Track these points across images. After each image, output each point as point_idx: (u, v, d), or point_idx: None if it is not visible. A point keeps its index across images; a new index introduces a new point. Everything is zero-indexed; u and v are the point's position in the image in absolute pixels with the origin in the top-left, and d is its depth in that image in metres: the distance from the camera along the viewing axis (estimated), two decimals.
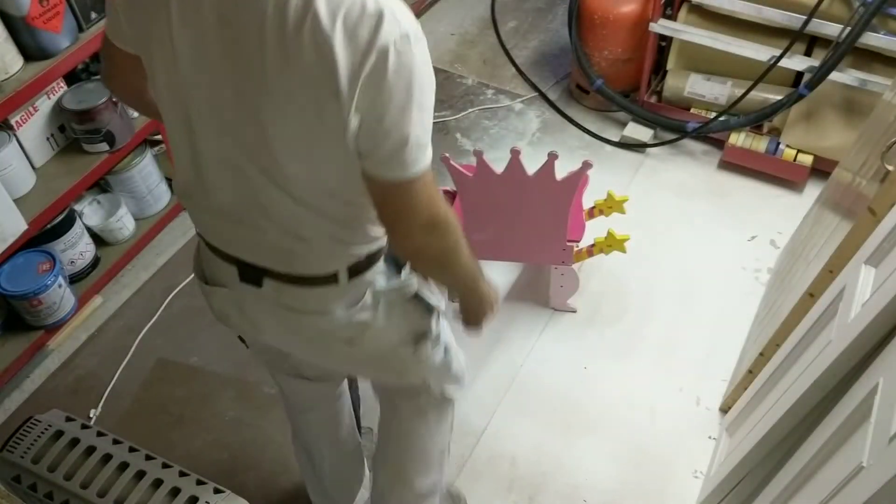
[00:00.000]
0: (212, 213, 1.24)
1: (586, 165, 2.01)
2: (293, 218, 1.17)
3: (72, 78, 2.32)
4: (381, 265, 1.30)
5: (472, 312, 1.39)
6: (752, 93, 2.60)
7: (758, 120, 2.66)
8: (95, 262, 2.49)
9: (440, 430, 1.66)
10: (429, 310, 1.40)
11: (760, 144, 2.72)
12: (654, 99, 2.96)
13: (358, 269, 1.26)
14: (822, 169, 2.65)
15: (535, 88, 3.21)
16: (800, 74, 2.57)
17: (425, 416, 1.62)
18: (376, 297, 1.30)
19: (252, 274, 1.26)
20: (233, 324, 1.40)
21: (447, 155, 2.03)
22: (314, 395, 1.66)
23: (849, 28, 2.31)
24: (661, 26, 2.69)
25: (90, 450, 1.54)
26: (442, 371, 1.53)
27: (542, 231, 2.18)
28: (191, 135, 1.14)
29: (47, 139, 2.28)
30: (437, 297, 1.40)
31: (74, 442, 1.55)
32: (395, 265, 1.33)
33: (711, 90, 2.77)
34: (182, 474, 1.53)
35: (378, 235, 1.25)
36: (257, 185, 1.13)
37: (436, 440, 1.67)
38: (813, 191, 2.71)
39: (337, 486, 1.84)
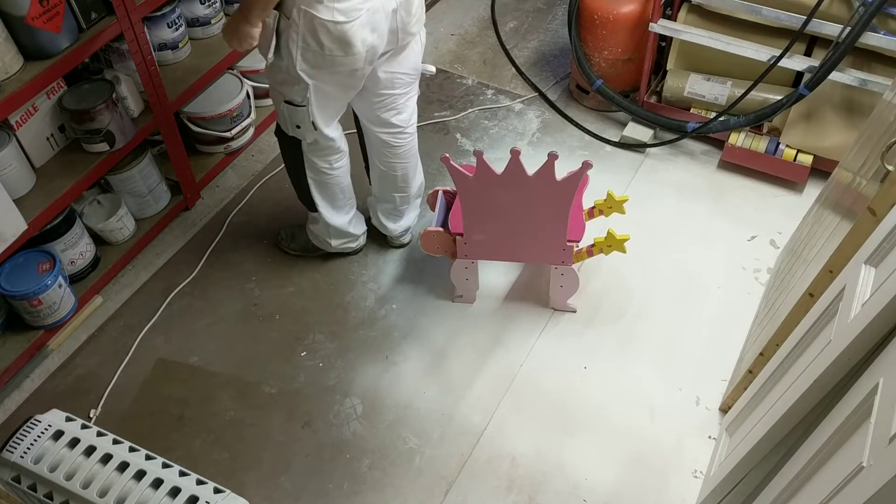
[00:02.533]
0: None
1: (586, 165, 2.01)
2: None
3: (72, 78, 2.32)
4: None
5: None
6: (752, 93, 2.60)
7: (758, 120, 2.66)
8: (95, 262, 2.50)
9: (416, 138, 2.39)
10: None
11: (760, 144, 2.72)
12: (653, 99, 2.96)
13: None
14: (822, 169, 2.66)
15: (535, 88, 3.21)
16: (800, 74, 2.57)
17: (413, 119, 2.32)
18: None
19: None
20: (366, 45, 1.90)
21: (447, 155, 2.03)
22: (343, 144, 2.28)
23: (849, 28, 2.31)
24: (661, 26, 2.69)
25: (90, 450, 1.54)
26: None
27: (542, 231, 2.18)
28: None
29: (47, 139, 2.28)
30: None
31: (74, 442, 1.55)
32: None
33: (711, 90, 2.77)
34: (182, 474, 1.52)
35: None
36: None
37: (417, 149, 2.42)
38: (813, 191, 2.71)
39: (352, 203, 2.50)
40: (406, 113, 2.26)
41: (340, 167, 2.32)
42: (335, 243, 2.53)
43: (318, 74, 1.95)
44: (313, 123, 2.09)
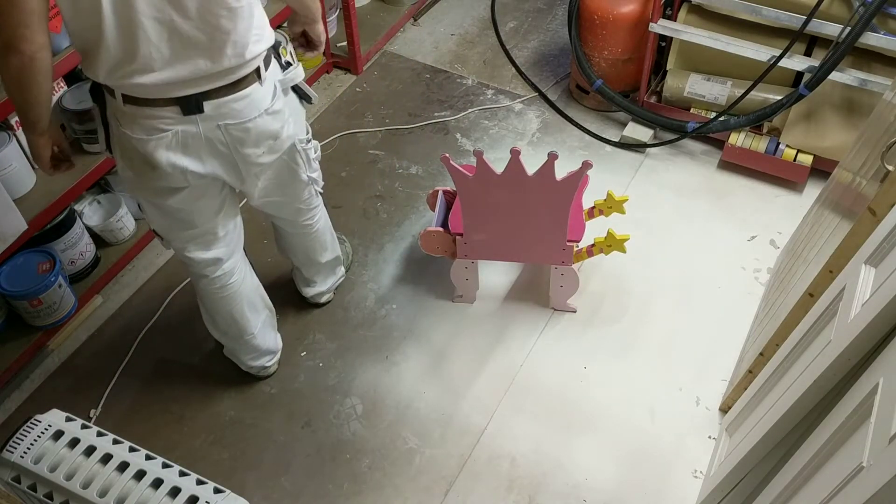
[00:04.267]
0: (146, 71, 1.47)
1: (586, 165, 2.01)
2: (218, 39, 1.48)
3: (72, 78, 2.32)
4: (273, 60, 1.68)
5: (318, 25, 1.83)
6: (752, 93, 2.60)
7: (758, 120, 2.66)
8: (95, 262, 2.50)
9: (325, 217, 2.18)
10: (306, 98, 1.83)
11: (760, 144, 2.72)
12: (653, 99, 2.96)
13: (267, 61, 1.64)
14: (822, 169, 2.66)
15: (535, 88, 3.21)
16: (800, 74, 2.57)
17: (315, 214, 2.10)
18: (280, 87, 1.70)
19: (194, 103, 1.55)
20: (178, 168, 1.63)
21: (447, 155, 2.03)
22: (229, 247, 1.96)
23: (849, 28, 2.31)
24: (661, 26, 2.69)
25: (90, 450, 1.54)
26: (316, 165, 1.97)
27: (542, 231, 2.18)
28: (127, 9, 1.39)
29: None
30: (310, 90, 1.83)
31: (74, 442, 1.55)
32: (278, 58, 1.71)
33: (711, 90, 2.77)
34: (182, 474, 1.52)
35: (270, 30, 1.61)
36: (185, 27, 1.44)
37: (327, 227, 2.21)
38: (813, 191, 2.71)
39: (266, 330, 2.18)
40: (303, 215, 2.07)
41: (210, 291, 1.97)
42: (228, 349, 2.22)
43: (139, 186, 1.73)
44: (154, 231, 1.86)
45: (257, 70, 1.61)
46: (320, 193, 2.09)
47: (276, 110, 1.68)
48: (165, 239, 1.88)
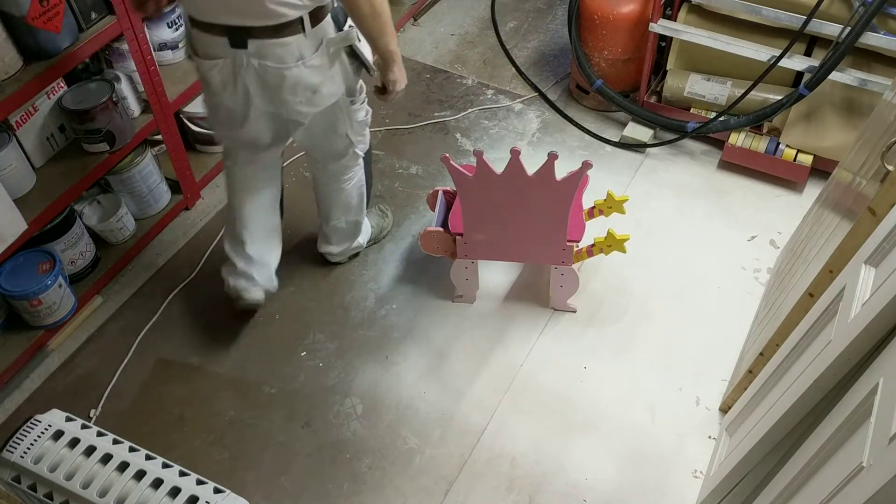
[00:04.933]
0: None
1: (586, 165, 2.01)
2: None
3: (72, 78, 2.32)
4: (329, 19, 1.81)
5: (389, 72, 1.91)
6: (752, 93, 2.60)
7: (758, 120, 2.66)
8: (95, 262, 2.50)
9: (358, 182, 2.28)
10: (361, 65, 1.93)
11: (760, 144, 2.72)
12: (653, 99, 2.96)
13: (317, 17, 1.76)
14: (822, 169, 2.66)
15: (535, 88, 3.21)
16: (800, 74, 2.58)
17: (347, 172, 2.22)
18: (328, 45, 1.81)
19: (239, 37, 1.73)
20: (228, 93, 1.86)
21: (447, 155, 2.03)
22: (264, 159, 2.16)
23: (849, 28, 2.31)
24: (661, 26, 2.69)
25: (90, 450, 1.54)
26: (361, 128, 2.11)
27: (542, 231, 2.18)
28: None
29: (47, 139, 2.28)
30: (368, 52, 1.90)
31: (74, 442, 1.55)
32: (337, 23, 1.84)
33: (711, 90, 2.77)
34: (182, 474, 1.52)
35: None
36: None
37: (356, 190, 2.30)
38: (813, 191, 2.71)
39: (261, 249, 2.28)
40: (334, 162, 2.20)
41: (230, 165, 2.19)
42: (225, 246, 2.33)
43: (205, 92, 1.99)
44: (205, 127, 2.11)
45: (301, 20, 1.73)
46: (362, 159, 2.23)
47: (314, 64, 1.81)
48: (217, 135, 2.15)
